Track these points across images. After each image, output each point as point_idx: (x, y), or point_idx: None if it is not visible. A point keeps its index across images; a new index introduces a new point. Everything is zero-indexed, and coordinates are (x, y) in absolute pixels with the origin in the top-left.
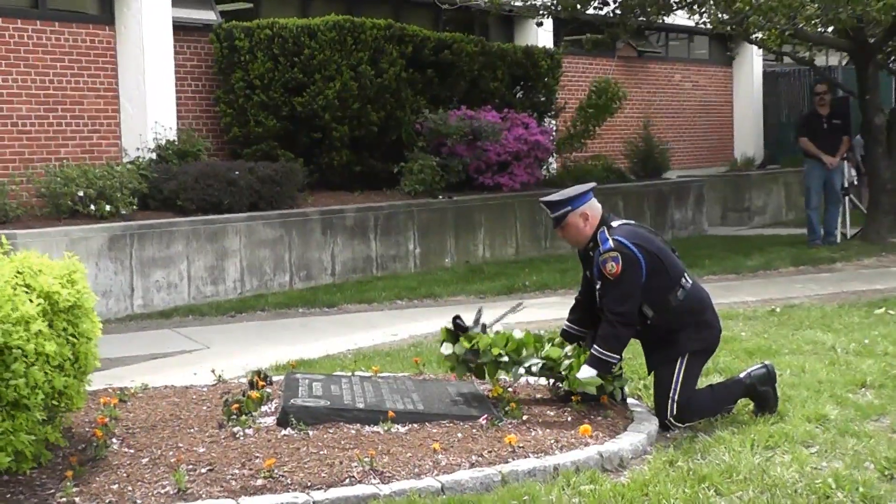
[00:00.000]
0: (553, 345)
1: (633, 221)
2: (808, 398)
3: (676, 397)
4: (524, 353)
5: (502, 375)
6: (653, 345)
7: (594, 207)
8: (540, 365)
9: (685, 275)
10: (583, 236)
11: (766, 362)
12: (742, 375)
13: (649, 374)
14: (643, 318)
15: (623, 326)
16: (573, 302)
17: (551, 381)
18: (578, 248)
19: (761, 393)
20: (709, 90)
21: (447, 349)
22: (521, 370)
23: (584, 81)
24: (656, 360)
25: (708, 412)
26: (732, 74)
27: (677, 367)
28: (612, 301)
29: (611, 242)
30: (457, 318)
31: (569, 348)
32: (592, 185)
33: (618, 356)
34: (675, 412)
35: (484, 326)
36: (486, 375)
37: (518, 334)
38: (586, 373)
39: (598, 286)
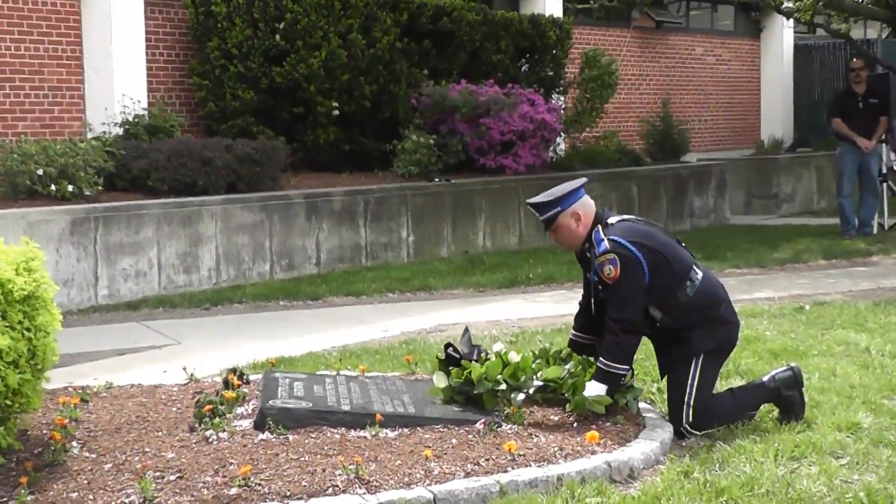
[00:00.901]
0: (560, 357)
1: (630, 216)
2: (838, 404)
3: (692, 402)
4: (522, 377)
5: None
6: (664, 346)
7: (586, 205)
8: (540, 388)
9: (694, 267)
10: (576, 238)
11: (793, 364)
12: (765, 378)
13: (662, 378)
14: (651, 321)
15: (626, 334)
16: (577, 307)
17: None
18: (572, 250)
19: (786, 398)
20: (733, 65)
21: (441, 381)
22: (521, 396)
23: None
24: (669, 362)
25: (727, 419)
26: (760, 48)
27: (692, 369)
28: (613, 307)
29: (606, 243)
30: (448, 346)
31: (570, 365)
32: (583, 180)
33: (625, 367)
34: (691, 419)
35: (478, 349)
36: (485, 405)
37: (514, 357)
38: (594, 389)
39: (598, 289)
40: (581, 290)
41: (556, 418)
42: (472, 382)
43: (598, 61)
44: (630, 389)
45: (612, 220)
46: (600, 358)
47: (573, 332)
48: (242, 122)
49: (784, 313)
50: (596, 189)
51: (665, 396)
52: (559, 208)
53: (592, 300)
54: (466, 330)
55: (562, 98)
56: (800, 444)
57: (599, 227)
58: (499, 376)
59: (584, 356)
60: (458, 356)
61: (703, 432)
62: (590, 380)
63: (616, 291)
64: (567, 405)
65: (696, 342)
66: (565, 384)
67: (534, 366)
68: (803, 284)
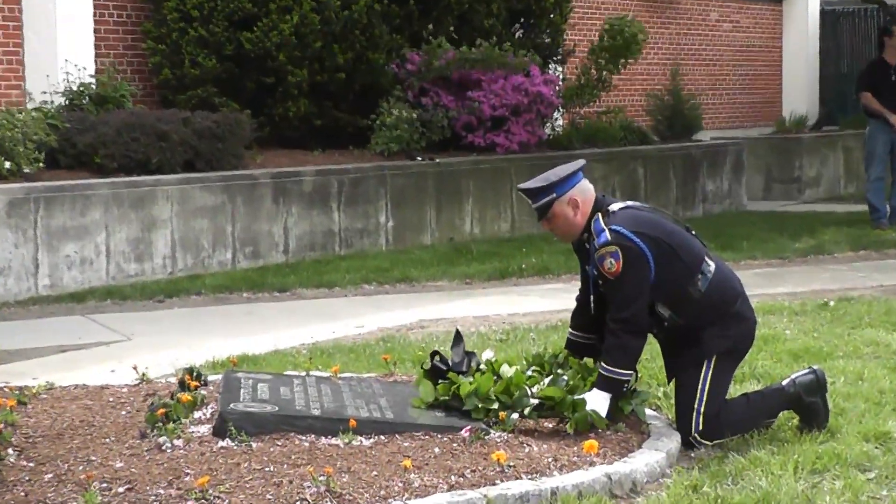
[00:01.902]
0: (557, 363)
1: (635, 203)
2: (865, 412)
3: (703, 409)
4: (516, 393)
5: None
6: (672, 346)
7: (585, 191)
8: (537, 406)
9: (706, 258)
10: (574, 228)
11: (815, 367)
12: (784, 383)
13: (669, 381)
14: (658, 321)
15: (629, 335)
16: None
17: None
18: (569, 241)
19: (808, 405)
20: (752, 33)
21: (427, 395)
22: (515, 416)
23: (598, 19)
24: (678, 364)
25: (741, 427)
26: (782, 13)
27: (703, 371)
28: (615, 305)
29: (607, 234)
30: (435, 354)
31: (568, 375)
32: (581, 163)
33: (629, 372)
34: (701, 427)
35: (469, 357)
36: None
37: (507, 370)
38: (596, 400)
39: (599, 284)
40: (580, 289)
41: (550, 425)
42: (460, 399)
43: (623, 31)
44: (636, 394)
45: (614, 207)
46: (601, 363)
47: (570, 330)
48: (203, 92)
49: (806, 310)
50: (597, 171)
51: (672, 402)
52: (554, 195)
53: (592, 296)
54: (459, 338)
55: (560, 68)
56: (822, 455)
57: (599, 215)
58: (490, 392)
59: (583, 358)
60: (445, 367)
61: (714, 442)
62: (590, 389)
63: (618, 287)
64: (568, 425)
65: (707, 342)
66: (564, 403)
67: (529, 379)
68: (828, 278)
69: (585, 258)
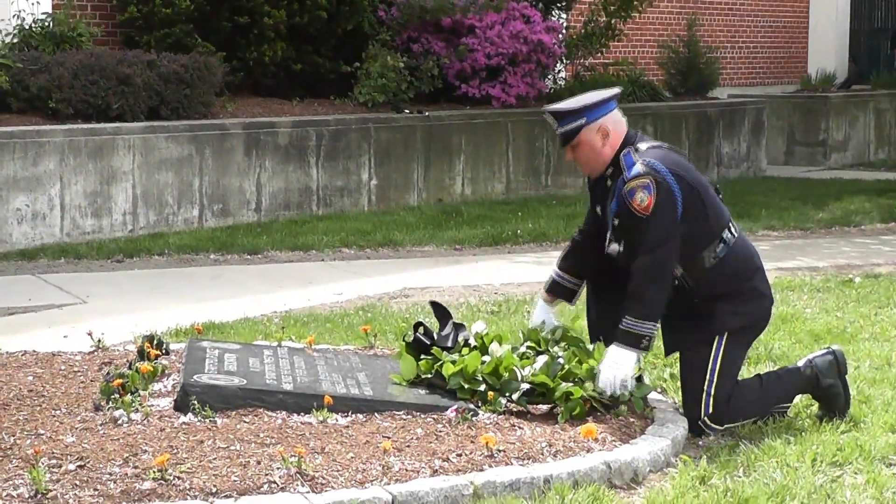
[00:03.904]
0: (554, 340)
1: (665, 144)
2: (892, 399)
3: (713, 391)
4: (505, 375)
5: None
6: (680, 318)
7: (617, 121)
8: (527, 392)
9: (730, 226)
10: (600, 160)
11: (834, 347)
12: (801, 363)
13: (668, 354)
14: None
15: (655, 283)
16: (568, 244)
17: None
18: (592, 175)
19: (826, 388)
20: None
21: (408, 372)
22: (503, 401)
23: None
24: (684, 340)
25: (754, 411)
26: None
27: (714, 350)
28: (642, 248)
29: (640, 166)
30: (419, 326)
31: (562, 356)
32: (617, 90)
33: (654, 325)
34: (710, 411)
35: (457, 330)
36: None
37: (497, 349)
38: (618, 357)
39: (615, 223)
40: (579, 231)
41: (545, 407)
42: (444, 377)
43: None
44: (638, 385)
45: (644, 145)
46: (624, 317)
47: (556, 271)
48: (180, 31)
49: (829, 287)
50: None
51: (679, 384)
52: (584, 120)
53: (611, 243)
54: (450, 321)
55: (564, 15)
56: (843, 446)
57: (630, 149)
58: (478, 373)
59: (560, 300)
60: (428, 341)
61: (724, 427)
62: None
63: (646, 227)
64: (559, 415)
65: (720, 318)
66: (556, 391)
67: (522, 357)
68: (853, 253)
69: (601, 196)
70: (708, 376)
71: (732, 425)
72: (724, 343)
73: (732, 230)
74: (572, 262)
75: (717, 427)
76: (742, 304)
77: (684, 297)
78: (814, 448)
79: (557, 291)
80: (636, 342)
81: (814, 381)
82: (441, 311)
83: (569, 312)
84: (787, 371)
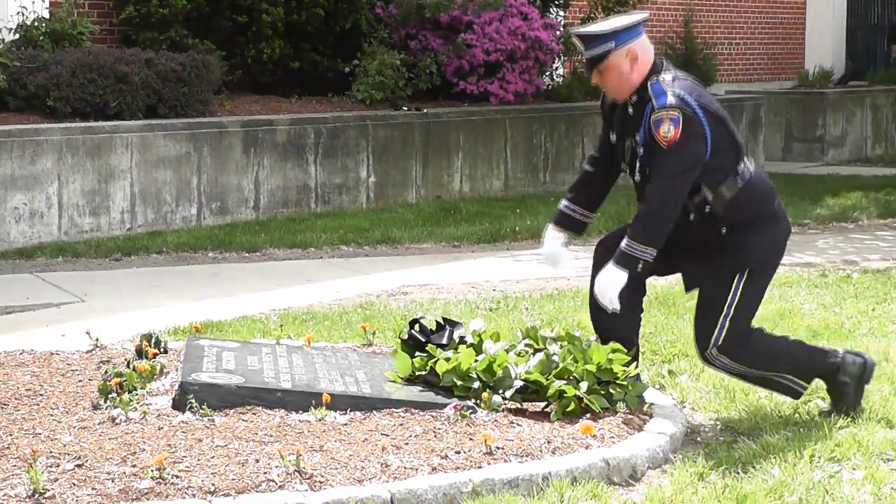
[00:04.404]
0: (552, 338)
1: (690, 76)
2: (891, 395)
3: (727, 324)
4: (499, 373)
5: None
6: (703, 254)
7: (646, 47)
8: (521, 389)
9: (746, 156)
10: (627, 85)
11: (868, 355)
12: (834, 349)
13: (688, 291)
14: (699, 205)
15: (664, 203)
16: (577, 175)
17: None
18: (618, 99)
19: (840, 384)
20: None
21: (403, 369)
22: (497, 398)
23: None
24: (706, 273)
25: (768, 363)
26: None
27: (734, 283)
28: (660, 174)
29: (671, 97)
30: (414, 323)
31: (558, 355)
32: (644, 14)
33: (654, 250)
34: (720, 341)
35: (453, 328)
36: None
37: (491, 346)
38: (611, 276)
39: (640, 152)
40: (590, 158)
41: (543, 404)
42: (438, 375)
43: None
44: (634, 383)
45: (669, 75)
46: (626, 237)
47: (565, 202)
48: (173, 33)
49: (826, 283)
50: (600, 125)
51: (677, 380)
52: (612, 44)
53: (633, 172)
54: (449, 323)
55: (562, 12)
56: (842, 442)
57: (658, 77)
58: (472, 371)
59: (570, 232)
60: (424, 338)
61: (734, 365)
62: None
63: (668, 157)
64: (552, 413)
65: (744, 249)
66: (550, 388)
67: (518, 355)
68: (851, 248)
69: (619, 123)
70: (725, 309)
71: (738, 365)
72: (744, 280)
73: (749, 160)
74: (582, 194)
75: (723, 360)
76: (765, 229)
77: (711, 227)
78: (812, 444)
79: (565, 223)
80: (632, 265)
81: (833, 372)
82: (447, 329)
83: (571, 308)
84: (816, 349)
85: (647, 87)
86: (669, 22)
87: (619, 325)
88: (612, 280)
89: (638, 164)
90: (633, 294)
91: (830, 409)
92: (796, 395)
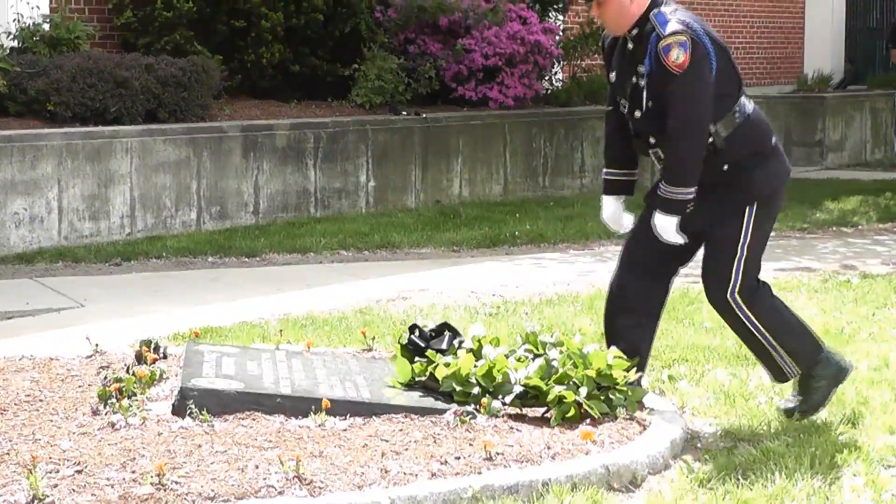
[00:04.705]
0: (552, 344)
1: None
2: (891, 401)
3: (741, 265)
4: (498, 378)
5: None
6: (707, 192)
7: None
8: (520, 394)
9: (744, 91)
10: (627, 18)
11: (847, 361)
12: (824, 346)
13: (694, 241)
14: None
15: (688, 142)
16: (605, 137)
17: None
18: (616, 33)
19: (816, 378)
20: None
21: (403, 373)
22: (496, 404)
23: None
24: (713, 215)
25: (776, 322)
26: None
27: (744, 222)
28: (674, 109)
29: (676, 24)
30: (414, 329)
31: (557, 360)
32: None
33: (690, 190)
34: (738, 285)
35: (452, 333)
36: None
37: (491, 352)
38: (661, 223)
39: (642, 85)
40: (608, 115)
41: (542, 409)
42: (437, 380)
43: None
44: (633, 389)
45: (669, 7)
46: (660, 184)
47: (605, 170)
48: (176, 37)
49: (826, 288)
50: (599, 129)
51: (676, 385)
52: None
53: (633, 110)
54: (448, 329)
55: (561, 17)
56: (842, 448)
57: (659, 9)
58: (471, 376)
59: (622, 195)
60: (423, 343)
61: (753, 314)
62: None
63: (682, 85)
64: (552, 418)
65: (748, 182)
66: (550, 393)
67: (518, 360)
68: (850, 253)
69: (619, 60)
70: (739, 251)
71: (750, 316)
72: (753, 216)
73: (747, 96)
74: (615, 156)
75: (741, 306)
76: (769, 164)
77: (714, 163)
78: (812, 450)
79: (614, 189)
80: (678, 209)
81: (814, 365)
82: (446, 335)
83: (570, 313)
84: (812, 333)
85: (650, 17)
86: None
87: (628, 333)
88: (663, 227)
89: (643, 98)
90: (649, 301)
91: (795, 406)
92: (784, 377)
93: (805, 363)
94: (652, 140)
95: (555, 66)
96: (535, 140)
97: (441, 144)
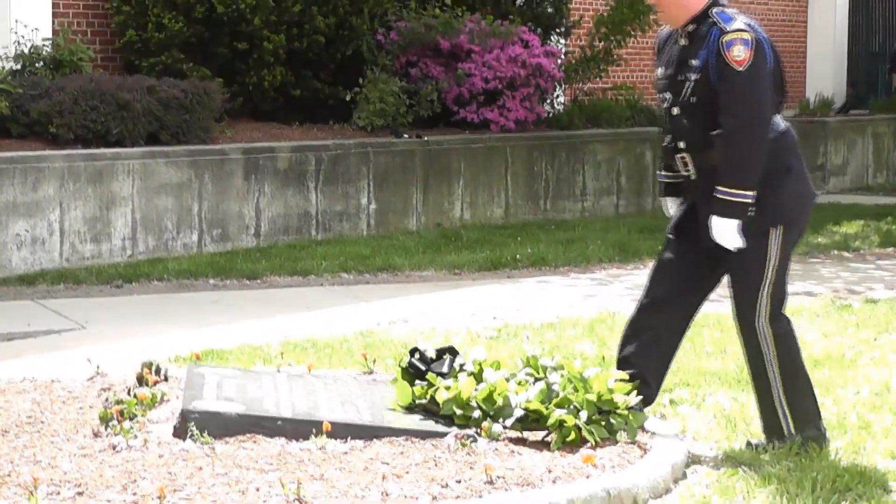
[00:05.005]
0: (553, 368)
1: None
2: (892, 425)
3: (770, 289)
4: (499, 402)
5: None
6: None
7: None
8: (521, 418)
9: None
10: (683, 11)
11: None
12: (822, 424)
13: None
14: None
15: (749, 138)
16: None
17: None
18: (671, 24)
19: (795, 440)
20: (774, 5)
21: (404, 396)
22: (497, 427)
23: None
24: (744, 229)
25: (792, 364)
26: None
27: (771, 240)
28: (735, 102)
29: (741, 23)
30: (415, 352)
31: (558, 384)
32: None
33: (750, 193)
34: (768, 311)
35: (453, 356)
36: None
37: (492, 375)
38: (721, 227)
39: (691, 78)
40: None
41: (543, 433)
42: (438, 404)
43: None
44: (635, 413)
45: (731, 9)
46: (717, 186)
47: (659, 172)
48: (173, 58)
49: (828, 312)
50: (601, 153)
51: (679, 409)
52: None
53: (674, 105)
54: (450, 353)
55: (563, 40)
56: (843, 473)
57: (720, 7)
58: (472, 399)
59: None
60: (424, 367)
61: (770, 345)
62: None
63: (740, 82)
64: (552, 443)
65: (774, 202)
66: (550, 417)
67: (519, 384)
68: (853, 278)
69: (669, 55)
70: (766, 271)
71: (774, 348)
72: (780, 234)
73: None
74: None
75: (766, 336)
76: (796, 186)
77: None
78: (813, 475)
79: (669, 191)
80: (737, 212)
81: (805, 431)
82: (447, 358)
83: (571, 336)
84: (817, 403)
85: (710, 14)
86: None
87: (640, 357)
88: (722, 231)
89: (686, 92)
90: (668, 325)
91: (764, 443)
92: (780, 432)
93: (802, 425)
94: (681, 144)
95: (556, 90)
96: (537, 163)
97: (442, 167)
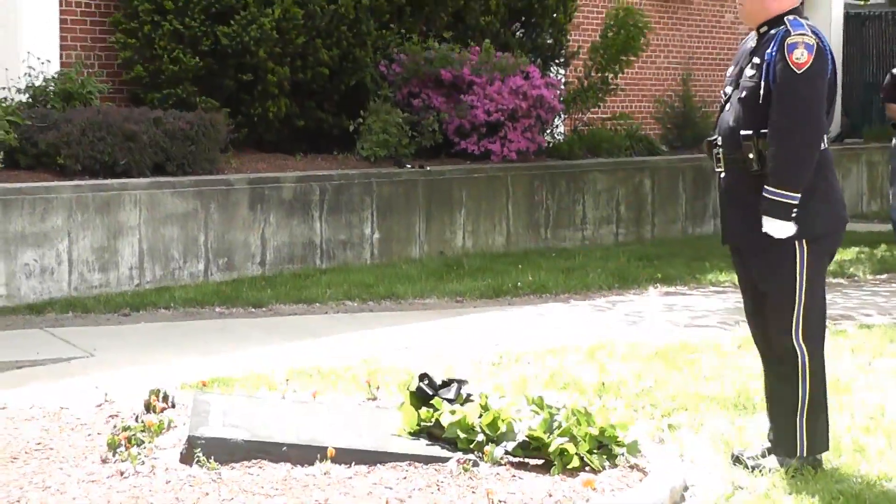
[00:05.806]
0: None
1: None
2: (887, 449)
3: (803, 305)
4: (502, 427)
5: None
6: (756, 221)
7: None
8: (523, 443)
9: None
10: (763, 10)
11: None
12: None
13: (724, 243)
14: (761, 152)
15: (799, 142)
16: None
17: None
18: (747, 22)
19: (797, 457)
20: None
21: (410, 420)
22: (500, 452)
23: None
24: (762, 239)
25: (818, 385)
26: None
27: (798, 255)
28: (786, 102)
29: (807, 29)
30: (424, 377)
31: (561, 415)
32: None
33: (796, 195)
34: (804, 328)
35: (460, 384)
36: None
37: (495, 402)
38: (773, 228)
39: (748, 76)
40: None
41: (541, 460)
42: (442, 427)
43: (626, 24)
44: (632, 444)
45: (806, 20)
46: (766, 186)
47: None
48: (179, 91)
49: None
50: (600, 182)
51: (677, 432)
52: None
53: (728, 99)
54: (458, 382)
55: (562, 71)
56: (838, 496)
57: (795, 16)
58: (476, 425)
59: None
60: (431, 391)
61: (804, 363)
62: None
63: (796, 83)
64: (553, 469)
65: (806, 214)
66: (551, 444)
67: (520, 415)
68: (847, 304)
69: (740, 54)
70: (798, 287)
71: (807, 366)
72: (807, 250)
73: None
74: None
75: (802, 353)
76: (828, 204)
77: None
78: (810, 497)
79: None
80: (783, 213)
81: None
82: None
83: (572, 362)
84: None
85: (784, 19)
86: (668, 81)
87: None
88: (775, 230)
89: (740, 84)
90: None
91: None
92: (793, 452)
93: (813, 448)
94: (719, 140)
95: (556, 120)
96: (538, 192)
97: (444, 197)
